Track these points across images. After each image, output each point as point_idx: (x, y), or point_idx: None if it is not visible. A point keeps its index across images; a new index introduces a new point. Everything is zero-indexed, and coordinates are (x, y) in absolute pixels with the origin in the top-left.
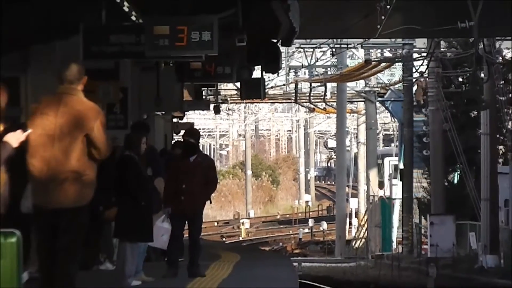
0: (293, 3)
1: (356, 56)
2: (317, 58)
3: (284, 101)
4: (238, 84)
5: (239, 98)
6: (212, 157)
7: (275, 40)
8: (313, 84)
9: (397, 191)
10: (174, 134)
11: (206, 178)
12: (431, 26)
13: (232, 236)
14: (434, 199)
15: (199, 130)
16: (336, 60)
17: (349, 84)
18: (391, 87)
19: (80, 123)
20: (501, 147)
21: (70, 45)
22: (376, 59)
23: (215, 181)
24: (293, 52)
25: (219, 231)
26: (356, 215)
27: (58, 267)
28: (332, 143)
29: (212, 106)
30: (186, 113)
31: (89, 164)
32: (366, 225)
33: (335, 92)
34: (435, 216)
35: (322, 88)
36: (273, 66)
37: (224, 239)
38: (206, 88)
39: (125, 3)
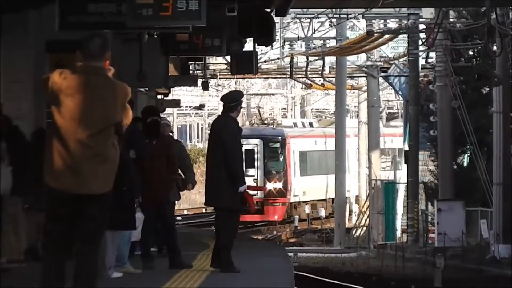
0: None
1: (357, 27)
2: (314, 29)
3: (279, 76)
4: (228, 57)
5: (230, 73)
6: (201, 137)
7: (268, 10)
8: (310, 58)
9: (402, 175)
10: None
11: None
12: None
13: None
14: (442, 183)
15: (186, 108)
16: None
17: (349, 58)
18: (395, 61)
19: (108, 108)
20: None
21: (44, 15)
22: (378, 31)
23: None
24: (288, 22)
25: (208, 219)
26: (357, 201)
27: (81, 255)
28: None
29: (200, 81)
30: (171, 89)
31: (115, 148)
32: (367, 212)
33: (334, 66)
34: (443, 202)
35: (320, 62)
36: (266, 38)
37: (213, 227)
38: (193, 62)
39: None
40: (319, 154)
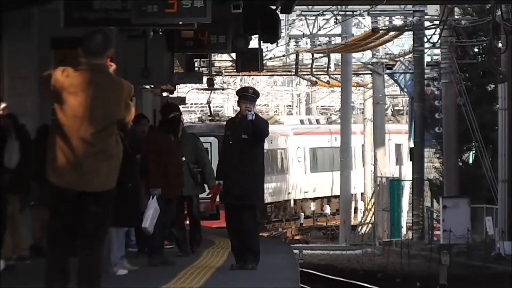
0: None
1: (362, 25)
2: (319, 26)
3: (284, 73)
4: (233, 55)
5: (235, 70)
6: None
7: (273, 7)
8: (316, 55)
9: (407, 172)
10: None
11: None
12: None
13: None
14: (447, 180)
15: (191, 105)
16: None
17: (354, 55)
18: (401, 58)
19: (111, 106)
20: None
21: (49, 11)
22: (384, 28)
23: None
24: (294, 20)
25: None
26: (362, 198)
27: (84, 252)
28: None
29: (205, 79)
30: (176, 86)
31: (118, 146)
32: (373, 209)
33: (340, 63)
34: (448, 199)
35: (325, 59)
36: (271, 35)
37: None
38: (198, 59)
39: None
40: (271, 152)
